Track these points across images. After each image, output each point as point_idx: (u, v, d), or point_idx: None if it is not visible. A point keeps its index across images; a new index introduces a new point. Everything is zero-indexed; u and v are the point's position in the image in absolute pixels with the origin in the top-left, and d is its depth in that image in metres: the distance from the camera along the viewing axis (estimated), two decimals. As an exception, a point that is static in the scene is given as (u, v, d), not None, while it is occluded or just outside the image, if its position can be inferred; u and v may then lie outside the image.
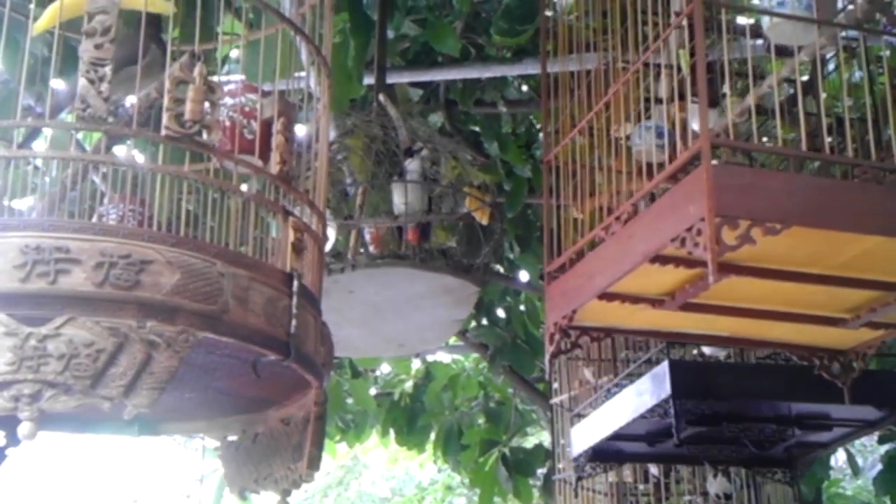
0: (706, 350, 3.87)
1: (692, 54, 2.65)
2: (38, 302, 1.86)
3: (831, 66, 3.53)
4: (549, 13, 3.80)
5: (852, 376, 3.23)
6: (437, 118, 5.60)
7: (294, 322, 2.13)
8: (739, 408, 3.72)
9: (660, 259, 2.63)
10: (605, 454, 4.30)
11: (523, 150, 5.90)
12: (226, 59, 4.79)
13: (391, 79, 4.76)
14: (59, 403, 1.86)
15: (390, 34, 4.68)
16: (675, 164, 2.59)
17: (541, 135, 6.24)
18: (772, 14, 2.74)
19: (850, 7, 2.82)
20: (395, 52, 5.06)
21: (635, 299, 2.89)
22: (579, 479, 4.45)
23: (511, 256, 6.51)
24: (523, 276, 6.87)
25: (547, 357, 3.04)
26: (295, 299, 2.14)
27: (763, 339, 3.26)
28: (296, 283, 2.15)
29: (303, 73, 4.11)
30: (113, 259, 1.90)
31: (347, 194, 3.79)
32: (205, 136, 2.08)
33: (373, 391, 8.04)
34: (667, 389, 3.44)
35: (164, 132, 2.03)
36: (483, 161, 5.64)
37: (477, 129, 5.92)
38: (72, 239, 1.90)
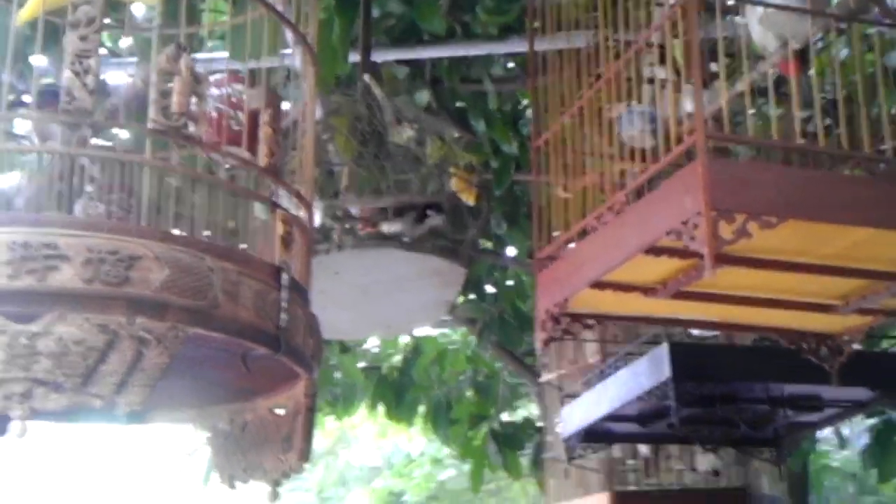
0: (694, 331, 3.90)
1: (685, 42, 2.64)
2: (27, 299, 1.84)
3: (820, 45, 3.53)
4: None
5: (840, 360, 3.25)
6: (423, 96, 5.57)
7: (284, 315, 2.12)
8: (734, 389, 3.75)
9: (653, 250, 2.64)
10: (595, 434, 4.33)
11: (510, 126, 5.89)
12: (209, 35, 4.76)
13: (376, 57, 4.73)
14: (50, 402, 1.86)
15: (376, 12, 4.65)
16: (668, 157, 2.59)
17: (527, 111, 6.23)
18: (766, 4, 2.73)
19: None
20: (381, 30, 5.03)
21: (627, 288, 2.90)
22: (570, 458, 4.48)
23: (498, 232, 6.52)
24: (510, 251, 6.88)
25: (538, 344, 3.05)
26: (284, 293, 2.14)
27: (752, 324, 3.29)
28: (285, 276, 2.15)
29: (288, 51, 4.11)
30: (101, 255, 1.89)
31: (332, 174, 3.77)
32: (191, 127, 2.07)
33: (361, 365, 8.06)
34: (666, 372, 3.46)
35: (150, 124, 2.01)
36: (469, 138, 5.63)
37: (463, 106, 5.90)
38: (60, 235, 1.89)
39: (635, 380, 3.72)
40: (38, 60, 4.26)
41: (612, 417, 4.04)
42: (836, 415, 4.16)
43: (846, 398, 3.90)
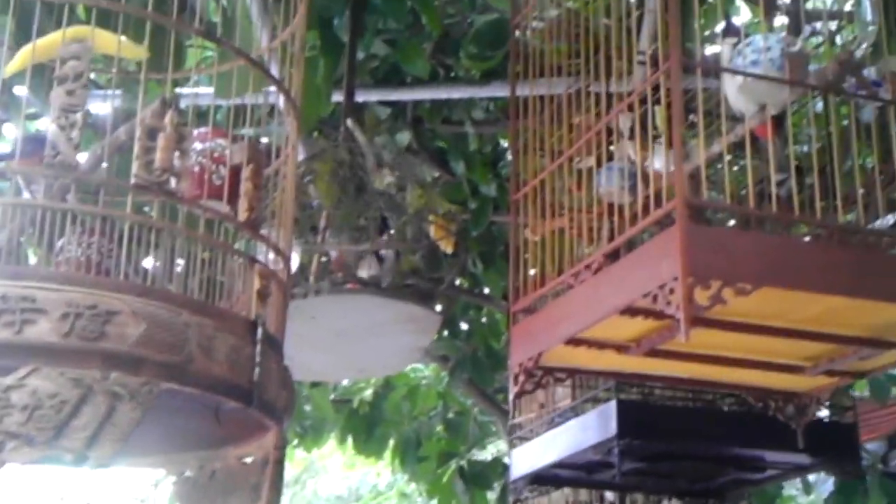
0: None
1: (668, 107, 2.70)
2: (2, 352, 1.85)
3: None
4: (517, 34, 3.82)
5: (805, 419, 3.30)
6: (404, 136, 5.62)
7: (257, 370, 2.14)
8: (680, 447, 3.80)
9: (629, 310, 2.68)
10: (543, 479, 4.37)
11: (489, 168, 5.94)
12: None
13: (360, 97, 4.77)
14: (21, 455, 1.86)
15: (360, 54, 4.70)
16: (646, 220, 2.64)
17: (507, 154, 6.29)
18: (746, 74, 2.79)
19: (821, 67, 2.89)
20: (365, 71, 5.07)
21: (601, 345, 2.94)
22: (516, 501, 4.52)
23: (474, 272, 6.55)
24: (486, 290, 6.91)
25: (511, 397, 3.08)
26: (259, 347, 2.16)
27: (721, 381, 3.33)
28: (260, 330, 2.17)
29: (273, 87, 4.13)
30: (79, 309, 1.90)
31: (311, 215, 3.79)
32: (174, 183, 2.09)
33: (331, 398, 8.05)
34: (613, 429, 3.51)
35: (133, 180, 2.04)
36: (449, 179, 5.68)
37: (444, 146, 5.94)
38: (38, 288, 1.90)
39: (584, 433, 3.78)
40: (22, 91, 4.29)
41: (560, 465, 4.09)
42: (777, 475, 4.23)
43: (786, 461, 3.97)
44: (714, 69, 2.96)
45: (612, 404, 3.54)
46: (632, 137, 3.42)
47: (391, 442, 8.02)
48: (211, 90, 4.01)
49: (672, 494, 4.54)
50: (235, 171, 2.30)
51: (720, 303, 2.40)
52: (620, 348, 2.97)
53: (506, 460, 7.40)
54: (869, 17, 3.18)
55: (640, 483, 4.28)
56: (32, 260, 2.77)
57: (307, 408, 7.89)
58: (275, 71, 2.58)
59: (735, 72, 2.82)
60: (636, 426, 3.54)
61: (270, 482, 2.31)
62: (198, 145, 2.33)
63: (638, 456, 3.62)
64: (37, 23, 2.11)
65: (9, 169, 2.04)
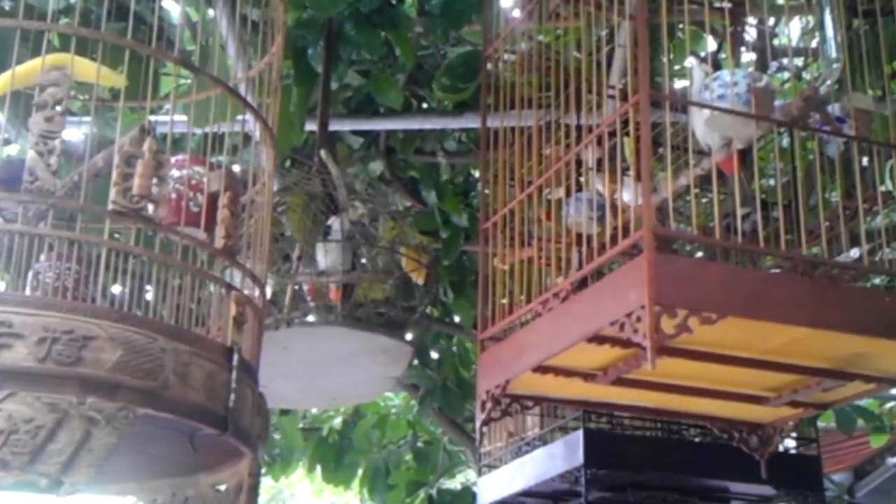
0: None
1: (637, 140, 2.75)
2: (-22, 377, 1.87)
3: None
4: (489, 66, 3.87)
5: (769, 450, 3.35)
6: (376, 166, 5.66)
7: (233, 396, 2.16)
8: (646, 477, 3.83)
9: (597, 338, 2.72)
10: (510, 507, 4.40)
11: (460, 198, 5.99)
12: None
13: (333, 126, 4.81)
14: (-5, 479, 1.87)
15: (333, 84, 4.74)
16: (614, 250, 2.68)
17: (478, 185, 6.34)
18: (713, 108, 2.85)
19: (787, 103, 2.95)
20: (338, 101, 5.12)
21: (568, 373, 2.97)
22: None
23: (445, 301, 6.58)
24: (456, 319, 6.94)
25: (478, 424, 3.11)
26: (234, 373, 2.17)
27: (686, 411, 3.37)
28: (236, 357, 2.19)
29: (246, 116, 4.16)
30: (56, 334, 1.92)
31: (284, 248, 3.82)
32: (151, 209, 2.11)
33: (300, 426, 8.02)
34: (579, 458, 3.54)
35: (111, 206, 2.06)
36: (420, 208, 5.73)
37: (416, 176, 5.99)
38: (15, 313, 1.91)
39: (550, 461, 3.80)
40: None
41: (527, 493, 4.11)
42: (743, 507, 4.28)
43: (750, 492, 4.01)
44: (682, 103, 3.03)
45: (579, 433, 3.58)
46: (600, 169, 3.49)
47: (360, 470, 8.01)
48: (183, 118, 4.04)
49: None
50: (212, 199, 2.32)
51: (686, 331, 2.45)
52: (587, 376, 3.00)
53: (475, 489, 7.41)
54: (833, 54, 3.26)
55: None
56: (1, 286, 2.78)
57: (276, 436, 7.85)
58: (251, 100, 2.62)
59: (703, 105, 2.88)
60: (603, 455, 3.58)
61: (244, 508, 2.32)
62: (175, 172, 2.35)
63: (604, 485, 3.66)
64: (15, 50, 2.13)
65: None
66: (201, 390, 2.09)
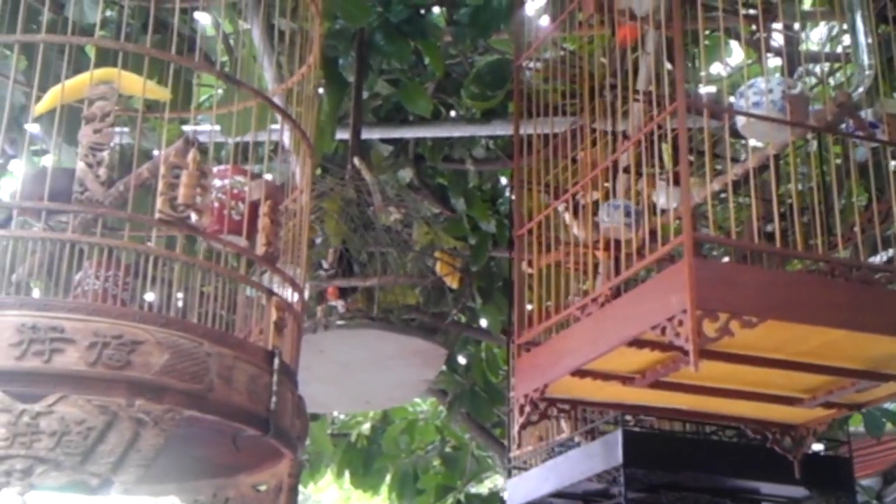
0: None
1: (674, 146, 2.79)
2: (32, 379, 1.92)
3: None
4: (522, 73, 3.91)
5: (802, 451, 3.37)
6: (406, 173, 5.72)
7: (274, 399, 2.21)
8: (679, 478, 3.84)
9: (636, 342, 2.76)
10: (539, 509, 4.40)
11: (488, 205, 6.03)
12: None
13: (364, 135, 4.87)
14: (49, 479, 1.93)
15: (364, 93, 4.80)
16: (655, 254, 2.72)
17: (507, 191, 6.38)
18: (749, 115, 2.88)
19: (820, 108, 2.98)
20: (368, 110, 5.18)
21: (606, 376, 3.01)
22: None
23: (473, 306, 6.62)
24: (483, 324, 6.97)
25: (516, 427, 3.15)
26: (276, 377, 2.23)
27: (720, 413, 3.40)
28: (277, 361, 2.24)
29: (276, 126, 4.23)
30: (105, 339, 1.98)
31: (319, 254, 3.87)
32: (194, 218, 2.17)
33: (329, 432, 8.07)
34: (618, 457, 3.55)
35: (157, 216, 2.11)
36: (449, 215, 5.77)
37: (444, 183, 6.04)
38: (66, 319, 1.97)
39: (587, 462, 3.80)
40: (33, 128, 4.38)
41: (559, 494, 4.12)
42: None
43: (783, 494, 4.01)
44: (719, 110, 3.06)
45: (618, 433, 3.59)
46: (627, 171, 3.52)
47: (388, 476, 8.04)
48: (217, 128, 4.11)
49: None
50: (253, 207, 2.38)
51: (728, 335, 2.48)
52: (625, 380, 3.04)
53: (503, 495, 7.43)
54: (866, 60, 3.28)
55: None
56: (35, 293, 2.84)
57: (302, 452, 7.89)
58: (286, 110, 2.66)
59: (739, 113, 2.92)
60: (641, 455, 3.59)
61: (285, 508, 2.37)
62: (217, 182, 2.40)
63: (639, 486, 3.67)
64: (42, 58, 2.19)
65: (42, 206, 2.10)
66: (244, 393, 2.14)
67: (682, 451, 3.82)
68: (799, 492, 3.88)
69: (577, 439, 4.22)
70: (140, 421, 1.98)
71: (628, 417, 3.75)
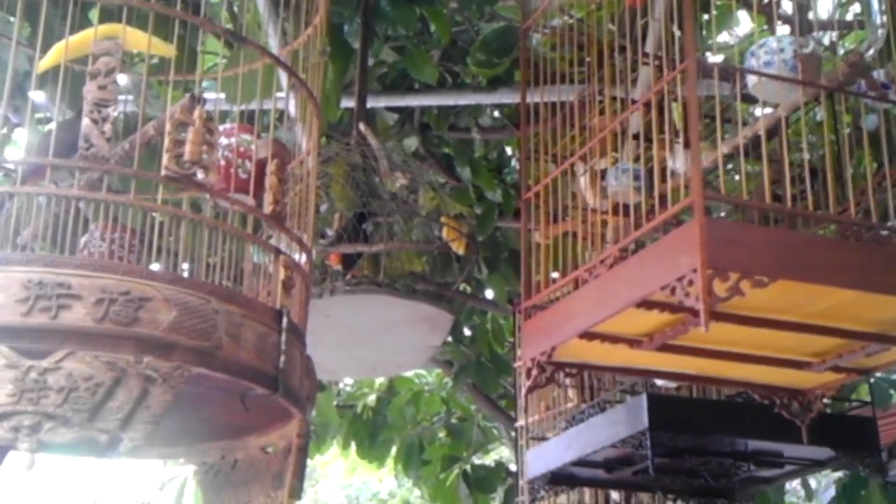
0: (658, 382, 3.98)
1: (684, 106, 2.76)
2: (39, 336, 1.91)
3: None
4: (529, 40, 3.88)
5: (811, 416, 3.36)
6: (411, 142, 5.70)
7: (283, 357, 2.20)
8: (703, 442, 3.84)
9: (645, 304, 2.74)
10: (560, 478, 4.39)
11: (494, 174, 6.01)
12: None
13: (368, 103, 4.84)
14: (57, 435, 1.92)
15: (369, 60, 4.77)
16: (665, 214, 2.70)
17: (512, 160, 6.37)
18: (761, 74, 2.86)
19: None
20: (374, 77, 5.15)
21: (614, 339, 2.99)
22: (533, 501, 4.54)
23: (479, 277, 6.61)
24: (489, 295, 6.97)
25: (523, 391, 3.13)
26: (284, 335, 2.22)
27: (728, 378, 3.39)
28: (285, 319, 2.23)
29: (281, 94, 4.21)
30: (113, 296, 1.97)
31: (325, 221, 3.85)
32: (201, 175, 2.15)
33: (335, 403, 8.09)
34: (644, 422, 3.54)
35: (163, 172, 2.10)
36: (455, 184, 5.76)
37: (450, 152, 6.02)
38: (73, 275, 1.96)
39: (611, 427, 3.78)
40: (37, 96, 4.35)
41: (580, 462, 4.12)
42: (793, 471, 4.27)
43: (806, 456, 4.01)
44: (729, 69, 3.03)
45: (643, 397, 3.57)
46: (637, 137, 3.50)
47: (394, 447, 8.07)
48: (222, 96, 4.09)
49: (686, 494, 4.56)
50: (260, 166, 2.36)
51: (738, 294, 2.47)
52: (633, 343, 3.02)
53: (511, 466, 7.45)
54: (878, 20, 3.25)
55: (657, 482, 4.30)
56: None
57: (311, 413, 7.91)
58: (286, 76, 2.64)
59: (750, 72, 2.89)
60: (666, 419, 3.57)
61: (294, 469, 2.36)
62: (223, 140, 2.38)
63: (665, 450, 3.66)
64: (45, 21, 2.16)
65: (46, 161, 2.09)
66: (252, 351, 2.13)
67: (706, 414, 3.81)
68: (824, 453, 3.87)
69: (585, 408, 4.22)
70: (148, 378, 1.97)
71: (653, 383, 3.74)
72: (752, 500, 4.67)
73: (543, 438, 4.66)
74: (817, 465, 4.20)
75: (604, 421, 3.87)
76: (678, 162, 3.19)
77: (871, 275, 2.62)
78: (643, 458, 3.59)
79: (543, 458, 4.29)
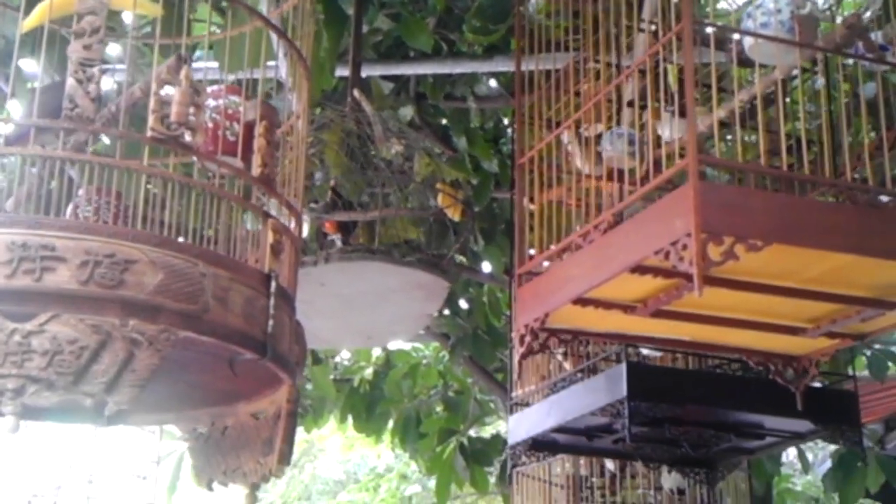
0: (644, 351, 3.97)
1: (680, 70, 2.73)
2: (23, 298, 1.89)
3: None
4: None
5: (805, 382, 3.35)
6: (407, 111, 5.65)
7: (271, 322, 2.18)
8: (684, 412, 3.83)
9: (639, 268, 2.72)
10: (541, 445, 4.39)
11: (491, 144, 5.97)
12: (196, 45, 4.81)
13: (363, 71, 4.80)
14: (42, 398, 1.90)
15: (364, 28, 4.72)
16: (660, 178, 2.67)
17: (508, 130, 6.32)
18: (757, 35, 2.82)
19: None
20: (368, 46, 5.10)
21: (608, 305, 2.98)
22: (514, 466, 4.54)
23: (475, 248, 6.58)
24: (486, 267, 6.94)
25: (517, 357, 3.12)
26: (272, 300, 2.19)
27: (722, 343, 3.37)
28: (273, 283, 2.20)
29: (274, 63, 4.16)
30: (98, 258, 1.94)
31: (314, 185, 3.82)
32: (188, 137, 2.12)
33: (332, 377, 8.07)
34: (622, 390, 3.53)
35: (149, 133, 2.06)
36: (451, 154, 5.72)
37: (446, 122, 5.97)
38: (58, 237, 1.93)
39: (591, 395, 3.78)
40: (30, 65, 4.31)
41: (561, 429, 4.11)
42: (774, 443, 4.27)
43: (787, 428, 4.01)
44: (725, 30, 2.99)
45: (622, 366, 3.56)
46: (631, 104, 3.46)
47: (391, 420, 8.06)
48: (214, 65, 4.04)
49: (667, 463, 4.57)
50: (249, 128, 2.33)
51: (733, 258, 2.45)
52: (627, 308, 3.00)
53: (507, 437, 7.44)
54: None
55: (638, 450, 4.30)
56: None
57: (308, 386, 7.91)
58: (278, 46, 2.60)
59: (747, 33, 2.85)
60: (645, 388, 3.57)
61: (283, 434, 2.34)
62: (211, 102, 2.35)
63: (643, 419, 3.65)
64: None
65: (30, 123, 2.05)
66: (240, 315, 2.11)
67: (686, 384, 3.81)
68: (804, 426, 3.87)
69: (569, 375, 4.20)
70: (134, 341, 1.95)
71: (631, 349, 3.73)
72: (734, 469, 4.66)
73: (527, 405, 4.64)
74: (798, 437, 4.21)
75: (584, 389, 3.87)
76: (667, 130, 3.15)
77: (867, 239, 2.60)
78: (623, 426, 3.58)
79: (525, 424, 4.29)
